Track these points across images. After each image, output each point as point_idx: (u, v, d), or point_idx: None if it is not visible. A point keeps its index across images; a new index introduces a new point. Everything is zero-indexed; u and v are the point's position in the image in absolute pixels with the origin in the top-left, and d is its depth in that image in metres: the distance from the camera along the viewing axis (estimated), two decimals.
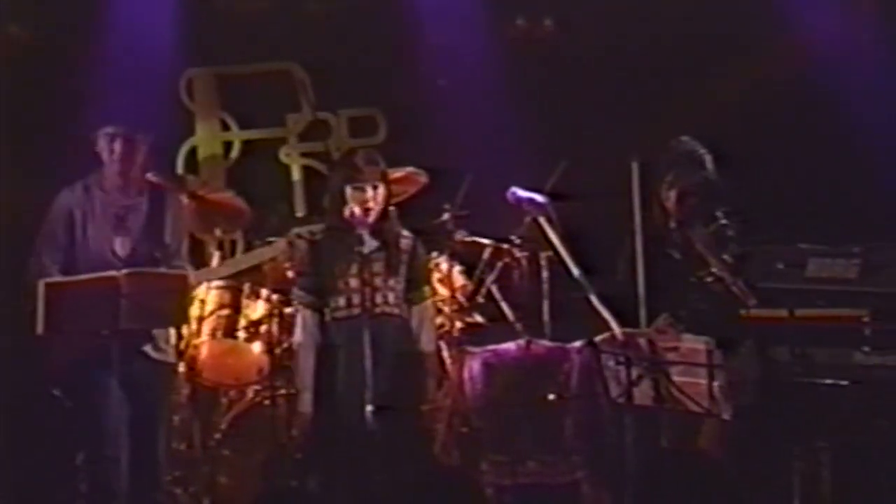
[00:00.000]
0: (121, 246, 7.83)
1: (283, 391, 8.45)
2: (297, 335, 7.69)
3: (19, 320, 7.96)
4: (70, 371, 7.79)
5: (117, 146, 7.84)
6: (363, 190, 7.58)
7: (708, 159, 8.19)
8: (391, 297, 7.60)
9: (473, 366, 8.46)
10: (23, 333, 7.93)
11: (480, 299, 8.87)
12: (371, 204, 7.58)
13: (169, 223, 7.93)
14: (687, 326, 7.84)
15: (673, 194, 8.15)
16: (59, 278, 7.64)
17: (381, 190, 7.62)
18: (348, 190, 7.60)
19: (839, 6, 9.62)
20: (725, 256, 8.00)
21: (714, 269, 7.97)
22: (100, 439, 7.77)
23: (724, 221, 8.04)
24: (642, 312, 7.82)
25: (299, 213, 10.15)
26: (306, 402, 7.60)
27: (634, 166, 7.95)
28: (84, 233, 7.84)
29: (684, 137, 8.26)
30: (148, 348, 7.79)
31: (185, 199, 8.56)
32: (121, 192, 7.89)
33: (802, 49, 9.66)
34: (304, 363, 7.62)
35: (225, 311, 8.67)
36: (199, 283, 8.41)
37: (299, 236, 7.72)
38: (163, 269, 7.87)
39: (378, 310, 7.56)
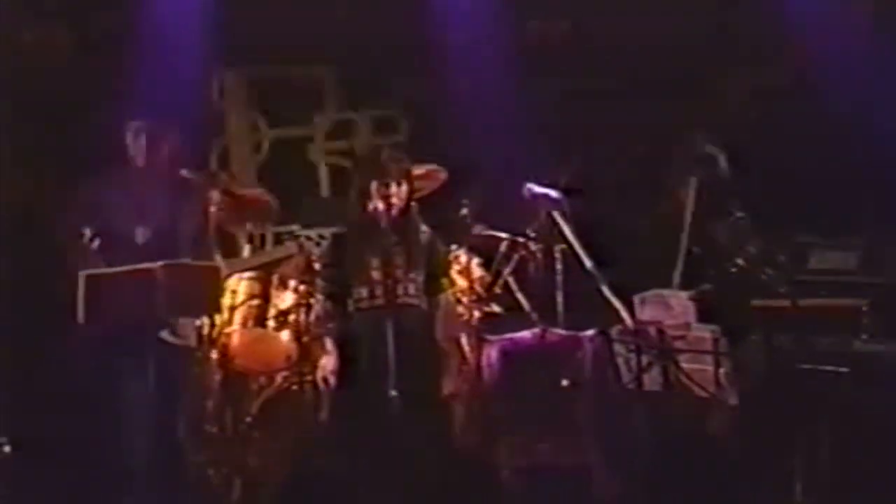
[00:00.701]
0: (141, 235, 7.86)
1: (310, 377, 8.46)
2: (321, 325, 7.75)
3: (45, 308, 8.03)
4: (93, 357, 7.81)
5: (142, 140, 7.87)
6: (388, 186, 7.60)
7: (721, 158, 8.20)
8: (412, 289, 7.61)
9: (491, 353, 8.48)
10: (51, 319, 7.99)
11: (498, 290, 8.87)
12: (395, 200, 7.60)
13: (189, 214, 7.93)
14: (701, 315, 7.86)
15: (691, 193, 8.16)
16: (98, 270, 7.66)
17: (405, 186, 7.64)
18: (373, 186, 7.62)
19: (839, 12, 9.61)
20: (751, 248, 8.02)
21: (740, 261, 7.99)
22: (125, 419, 7.80)
23: (740, 215, 8.07)
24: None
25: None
26: (328, 369, 7.61)
27: (692, 181, 8.04)
28: (107, 219, 7.86)
29: (697, 137, 8.26)
30: (165, 334, 7.78)
31: (217, 195, 8.62)
32: (144, 183, 7.91)
33: (805, 51, 9.66)
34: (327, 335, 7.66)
35: (255, 302, 8.69)
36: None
37: (308, 238, 7.76)
38: (196, 262, 7.90)
39: (399, 300, 7.58)
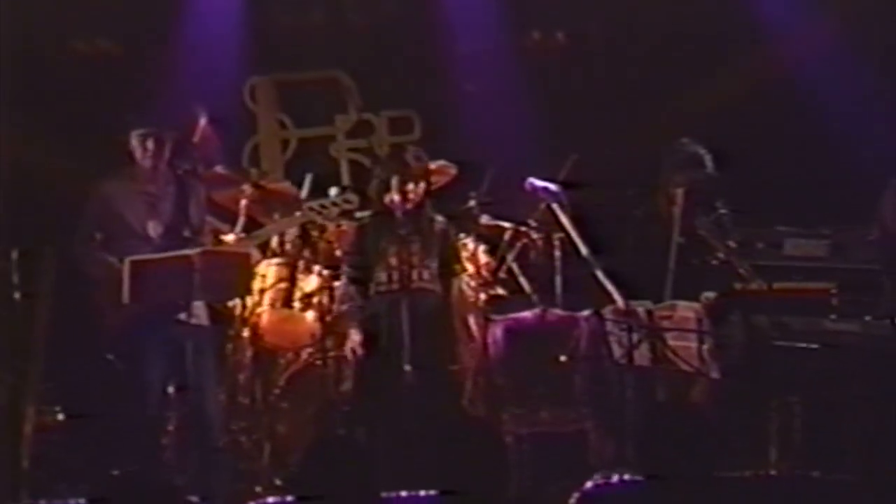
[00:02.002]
0: (153, 228, 7.88)
1: (332, 353, 8.55)
2: (343, 304, 7.83)
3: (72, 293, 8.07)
4: (121, 337, 7.86)
5: (149, 144, 7.87)
6: (407, 182, 7.68)
7: (708, 158, 8.23)
8: (426, 274, 7.71)
9: (496, 331, 8.52)
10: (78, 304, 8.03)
11: (502, 275, 8.93)
12: (412, 195, 7.69)
13: (193, 207, 7.96)
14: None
15: (680, 191, 8.20)
16: (141, 256, 7.71)
17: (423, 183, 7.73)
18: (394, 180, 7.70)
19: (809, 15, 9.65)
20: (730, 243, 8.06)
21: (720, 255, 8.03)
22: (153, 392, 7.87)
23: (723, 211, 8.10)
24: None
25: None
26: (356, 341, 7.70)
27: (680, 192, 8.10)
28: (121, 217, 7.90)
29: (685, 139, 8.30)
30: (182, 315, 7.81)
31: (248, 189, 8.70)
32: (152, 182, 7.93)
33: (779, 54, 9.71)
34: (351, 318, 7.74)
35: (283, 285, 8.73)
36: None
37: (311, 208, 7.84)
38: (230, 249, 7.97)
39: (415, 285, 7.67)
